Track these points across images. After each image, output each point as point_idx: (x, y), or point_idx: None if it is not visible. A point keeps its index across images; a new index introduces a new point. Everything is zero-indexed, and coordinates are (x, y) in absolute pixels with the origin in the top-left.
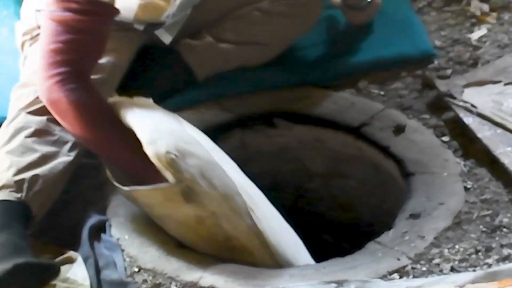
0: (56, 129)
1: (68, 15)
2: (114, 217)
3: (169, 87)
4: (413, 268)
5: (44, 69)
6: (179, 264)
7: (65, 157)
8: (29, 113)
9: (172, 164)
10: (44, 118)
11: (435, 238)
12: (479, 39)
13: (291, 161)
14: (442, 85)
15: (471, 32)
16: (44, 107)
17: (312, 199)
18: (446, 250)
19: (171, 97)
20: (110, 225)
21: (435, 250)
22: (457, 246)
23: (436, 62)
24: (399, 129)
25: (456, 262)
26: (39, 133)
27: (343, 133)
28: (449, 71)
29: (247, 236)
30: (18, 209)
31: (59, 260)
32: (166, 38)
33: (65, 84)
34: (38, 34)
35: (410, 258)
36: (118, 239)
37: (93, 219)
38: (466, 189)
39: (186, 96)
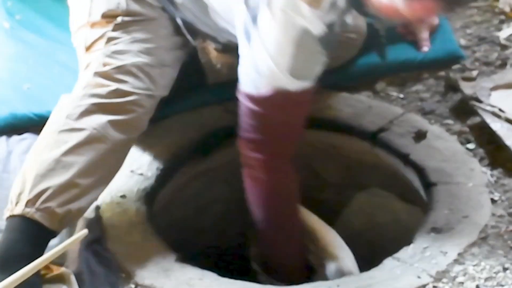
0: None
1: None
2: (109, 230)
3: (177, 85)
4: (434, 286)
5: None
6: (179, 280)
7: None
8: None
9: None
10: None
11: (459, 254)
12: (508, 38)
13: (302, 169)
14: (467, 88)
15: (499, 30)
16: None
17: (325, 211)
18: (471, 268)
19: (177, 96)
20: (105, 238)
21: (458, 267)
22: (483, 263)
23: (462, 62)
24: (420, 135)
25: (482, 281)
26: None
27: (359, 139)
28: (475, 73)
29: None
30: (47, 238)
31: (50, 277)
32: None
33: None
34: (128, 22)
35: (431, 276)
36: (113, 254)
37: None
38: (493, 201)
39: (192, 99)
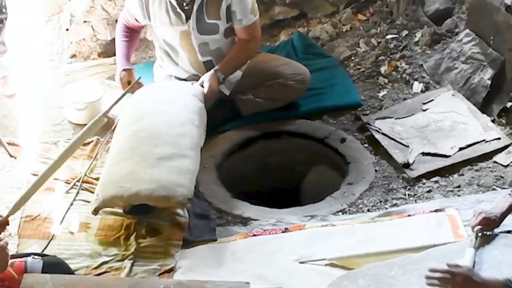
0: None
1: None
2: (200, 182)
3: (228, 117)
4: (348, 209)
5: None
6: (233, 205)
7: None
8: None
9: None
10: None
11: (360, 194)
12: (383, 96)
13: (289, 155)
14: (364, 119)
15: (379, 92)
16: None
17: (298, 174)
18: (365, 201)
19: (227, 123)
20: (198, 186)
21: (359, 201)
22: (371, 199)
23: (362, 107)
24: (343, 140)
25: (370, 207)
26: None
27: (315, 141)
28: (368, 112)
29: None
30: None
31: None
32: (226, 92)
33: None
34: None
35: (347, 205)
36: (202, 193)
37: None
38: (375, 171)
39: (235, 123)
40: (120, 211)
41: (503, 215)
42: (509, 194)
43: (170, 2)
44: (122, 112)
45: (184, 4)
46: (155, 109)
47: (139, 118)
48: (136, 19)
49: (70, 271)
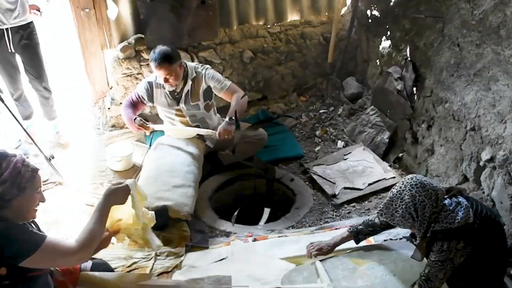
0: None
1: None
2: (197, 207)
3: (214, 166)
4: (296, 225)
5: None
6: (219, 223)
7: None
8: None
9: None
10: None
11: (304, 215)
12: (317, 151)
13: (257, 190)
14: (305, 165)
15: (315, 148)
16: None
17: (263, 202)
18: (307, 219)
19: (214, 170)
20: (196, 209)
21: (303, 219)
22: (310, 218)
23: (304, 158)
24: (292, 180)
25: (310, 223)
26: None
27: (273, 181)
28: (307, 161)
29: None
30: None
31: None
32: (211, 145)
33: None
34: None
35: (295, 222)
36: (199, 216)
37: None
38: (314, 199)
39: (219, 170)
40: None
41: (335, 245)
42: (348, 231)
43: (166, 93)
44: (147, 154)
45: (176, 94)
46: (172, 152)
47: (160, 157)
48: (142, 101)
49: (111, 269)
